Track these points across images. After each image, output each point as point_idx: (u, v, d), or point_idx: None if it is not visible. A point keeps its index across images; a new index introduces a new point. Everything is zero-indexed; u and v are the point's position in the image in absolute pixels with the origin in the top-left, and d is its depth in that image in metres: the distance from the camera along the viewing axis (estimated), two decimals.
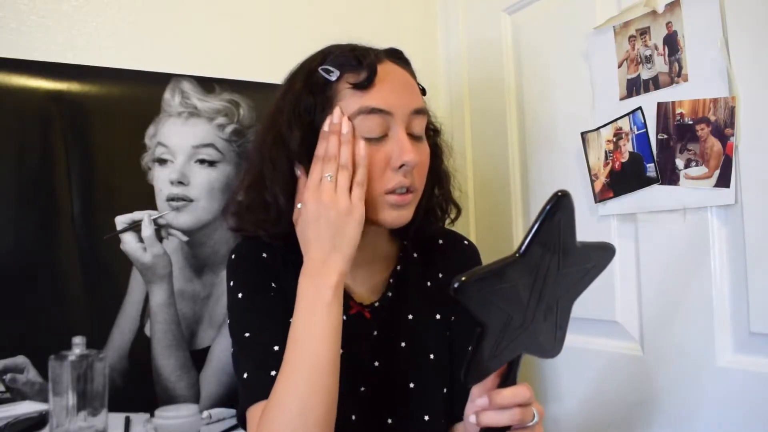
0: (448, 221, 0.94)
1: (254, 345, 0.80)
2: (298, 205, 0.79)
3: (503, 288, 0.55)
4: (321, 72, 0.79)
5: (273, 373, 0.75)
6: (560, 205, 0.55)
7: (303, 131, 0.80)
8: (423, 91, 0.87)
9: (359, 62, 0.77)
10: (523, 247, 0.55)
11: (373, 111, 0.77)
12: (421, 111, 0.81)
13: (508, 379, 0.62)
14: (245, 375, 0.78)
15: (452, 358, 0.89)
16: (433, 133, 0.90)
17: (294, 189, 0.82)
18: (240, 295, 0.84)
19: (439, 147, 0.91)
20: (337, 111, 0.77)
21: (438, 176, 0.90)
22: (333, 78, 0.79)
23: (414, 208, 0.83)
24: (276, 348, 0.78)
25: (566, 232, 0.57)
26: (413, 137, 0.80)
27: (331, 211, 0.74)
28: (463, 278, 0.52)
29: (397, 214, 0.80)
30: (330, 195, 0.75)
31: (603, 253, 0.63)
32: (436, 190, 0.90)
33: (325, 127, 0.77)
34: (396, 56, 0.84)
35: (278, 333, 0.78)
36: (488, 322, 0.55)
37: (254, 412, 0.75)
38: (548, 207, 0.54)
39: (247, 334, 0.81)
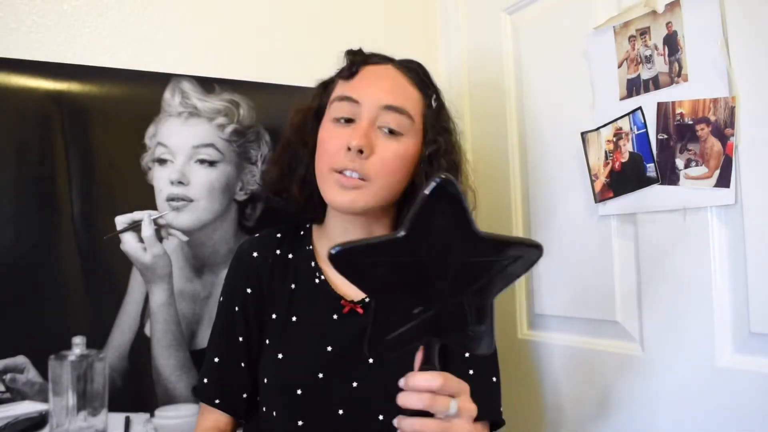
0: None
1: (208, 349, 0.95)
2: None
3: (384, 264, 0.56)
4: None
5: (205, 380, 0.92)
6: (439, 189, 0.54)
7: (299, 125, 0.93)
8: (431, 103, 0.91)
9: (351, 58, 0.90)
10: (404, 226, 0.55)
11: (343, 98, 0.86)
12: (395, 109, 0.85)
13: (425, 364, 0.63)
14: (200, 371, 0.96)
15: (444, 358, 0.90)
16: (433, 132, 0.90)
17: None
18: (221, 298, 0.96)
19: (442, 149, 0.90)
20: None
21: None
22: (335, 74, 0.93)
23: (367, 199, 0.85)
24: (216, 360, 0.91)
25: (456, 218, 0.56)
26: (384, 132, 0.85)
27: None
28: (339, 247, 0.55)
29: (341, 195, 0.84)
30: None
31: (523, 249, 0.60)
32: None
33: None
34: (404, 64, 0.91)
35: (222, 346, 0.92)
36: (375, 296, 0.59)
37: (200, 411, 0.96)
38: (426, 191, 0.54)
39: (209, 338, 0.97)
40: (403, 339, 0.61)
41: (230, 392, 0.91)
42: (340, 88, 0.88)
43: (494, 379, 0.90)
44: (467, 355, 0.89)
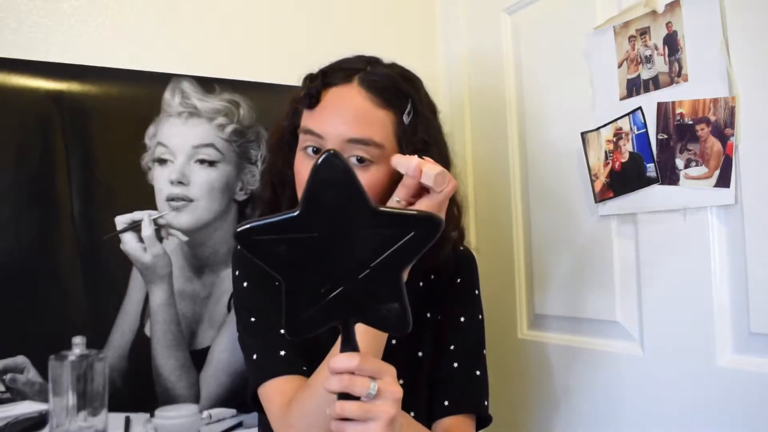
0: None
1: (261, 329, 0.87)
2: None
3: (285, 241, 0.59)
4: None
5: (282, 353, 0.83)
6: (326, 164, 0.57)
7: (277, 145, 0.92)
8: (404, 118, 0.85)
9: (308, 86, 0.86)
10: (300, 204, 0.58)
11: (307, 131, 0.83)
12: (360, 141, 0.81)
13: (343, 346, 0.63)
14: (255, 356, 0.85)
15: (435, 356, 0.91)
16: (408, 149, 0.87)
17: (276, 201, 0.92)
18: (245, 284, 0.90)
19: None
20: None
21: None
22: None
23: None
24: (282, 331, 0.83)
25: (348, 193, 0.58)
26: (353, 161, 0.82)
27: None
28: (241, 226, 0.58)
29: None
30: None
31: (418, 222, 0.61)
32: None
33: None
34: (371, 82, 0.84)
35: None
36: (283, 275, 0.60)
37: (269, 390, 0.82)
38: (313, 166, 0.57)
39: (252, 319, 0.87)
40: (318, 318, 0.62)
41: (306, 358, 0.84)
42: (305, 119, 0.85)
43: (478, 372, 0.90)
44: (452, 347, 0.90)
